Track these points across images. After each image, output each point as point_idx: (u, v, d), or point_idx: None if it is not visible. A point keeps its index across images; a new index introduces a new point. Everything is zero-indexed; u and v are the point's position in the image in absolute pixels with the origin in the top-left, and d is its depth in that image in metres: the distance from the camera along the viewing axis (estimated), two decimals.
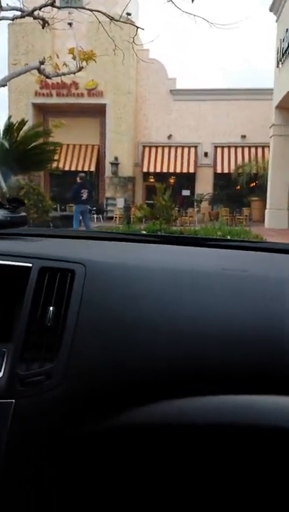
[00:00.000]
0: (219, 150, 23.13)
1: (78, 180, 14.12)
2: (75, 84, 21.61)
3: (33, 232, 1.66)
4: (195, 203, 22.41)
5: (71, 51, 11.61)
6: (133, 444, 1.01)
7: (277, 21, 16.93)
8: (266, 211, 17.76)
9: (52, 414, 0.99)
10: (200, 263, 1.27)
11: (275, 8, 16.76)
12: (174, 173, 23.31)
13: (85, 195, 13.77)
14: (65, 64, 11.49)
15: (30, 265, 1.13)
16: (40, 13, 9.70)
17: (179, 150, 23.24)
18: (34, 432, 0.98)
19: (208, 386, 0.99)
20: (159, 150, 23.34)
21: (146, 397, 0.99)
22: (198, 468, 1.01)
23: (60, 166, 20.50)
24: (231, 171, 22.28)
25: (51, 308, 1.07)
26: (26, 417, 0.98)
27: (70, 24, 14.03)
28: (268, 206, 17.59)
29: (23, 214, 1.52)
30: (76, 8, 12.26)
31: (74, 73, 11.70)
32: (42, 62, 10.72)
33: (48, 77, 10.97)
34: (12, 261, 1.15)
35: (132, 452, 1.01)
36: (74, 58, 11.76)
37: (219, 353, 1.01)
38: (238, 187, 22.36)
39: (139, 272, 1.16)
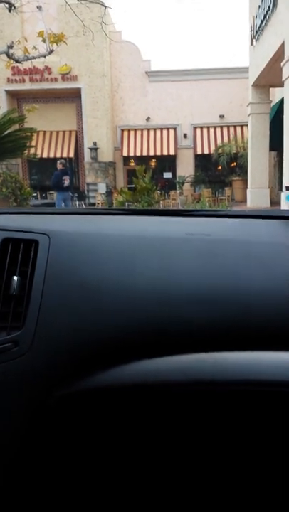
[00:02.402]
0: (198, 131, 23.02)
1: (60, 166, 13.99)
2: (48, 69, 21.29)
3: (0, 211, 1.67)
4: (177, 185, 22.38)
5: (40, 34, 11.41)
6: (105, 407, 1.04)
7: None
8: (248, 190, 17.79)
9: (21, 380, 1.00)
10: (164, 229, 1.29)
11: None
12: (155, 156, 23.20)
13: (66, 182, 13.70)
14: (34, 47, 11.29)
15: None
16: None
17: (158, 132, 23.10)
18: (4, 399, 1.00)
19: (177, 345, 1.02)
20: (138, 133, 23.17)
21: (114, 360, 1.01)
22: (172, 426, 1.04)
23: (38, 153, 20.29)
24: (212, 152, 22.24)
25: (16, 278, 1.08)
26: None
27: (38, 8, 13.76)
28: (249, 185, 17.62)
29: None
30: None
31: (44, 56, 11.53)
32: (10, 46, 10.54)
33: (17, 61, 10.79)
34: None
35: (105, 414, 1.04)
36: (44, 41, 11.56)
37: (184, 313, 1.04)
38: (219, 167, 22.36)
39: (103, 239, 1.18)
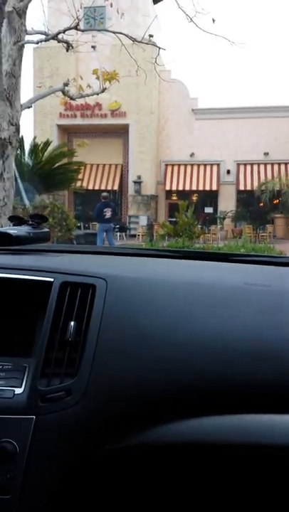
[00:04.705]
0: (242, 167, 23.16)
1: (102, 200, 14.31)
2: (98, 105, 22.06)
3: (56, 248, 1.66)
4: (218, 220, 22.38)
5: (95, 72, 11.84)
6: (155, 464, 0.99)
7: None
8: None
9: (72, 431, 0.97)
10: (222, 277, 1.26)
11: None
12: (197, 191, 23.41)
13: (108, 213, 13.92)
14: (88, 85, 11.71)
15: (52, 280, 1.13)
16: (64, 37, 9.95)
17: (202, 168, 23.35)
18: (54, 449, 0.97)
19: (234, 404, 0.97)
20: (182, 168, 23.51)
21: (169, 415, 0.97)
22: (223, 487, 1.01)
23: (84, 185, 20.82)
24: (254, 188, 22.23)
25: (72, 323, 1.06)
26: (46, 434, 0.96)
27: (93, 47, 14.34)
28: None
29: (46, 230, 1.51)
30: (99, 30, 12.55)
31: (97, 94, 11.90)
32: (66, 84, 10.94)
33: (72, 98, 11.17)
34: (34, 276, 1.15)
35: (155, 472, 1.00)
36: (98, 78, 11.98)
37: (245, 369, 0.99)
38: (261, 204, 22.27)
39: (160, 286, 1.15)
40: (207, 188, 23.11)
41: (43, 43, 8.96)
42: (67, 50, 11.26)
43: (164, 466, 0.99)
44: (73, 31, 9.67)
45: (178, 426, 0.96)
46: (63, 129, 23.47)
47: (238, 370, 0.99)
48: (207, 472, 0.99)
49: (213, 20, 9.37)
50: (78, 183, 17.41)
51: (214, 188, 23.18)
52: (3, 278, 1.15)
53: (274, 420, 0.95)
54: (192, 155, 23.32)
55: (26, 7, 6.64)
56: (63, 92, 11.29)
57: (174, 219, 17.45)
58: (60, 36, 9.68)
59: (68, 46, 11.06)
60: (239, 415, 0.95)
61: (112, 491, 1.01)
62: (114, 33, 10.51)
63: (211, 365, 0.99)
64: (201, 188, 23.14)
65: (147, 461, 0.99)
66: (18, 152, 12.92)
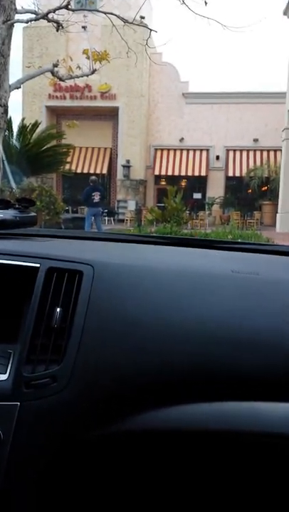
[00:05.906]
0: (231, 153, 23.11)
1: (90, 183, 14.17)
2: (88, 87, 21.75)
3: (42, 233, 1.64)
4: (206, 206, 22.40)
5: (85, 52, 11.66)
6: (141, 450, 1.00)
7: None
8: (278, 215, 17.69)
9: (57, 418, 0.97)
10: (209, 265, 1.25)
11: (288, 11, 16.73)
12: (186, 176, 23.33)
13: (96, 197, 13.79)
14: (78, 66, 11.54)
15: (38, 265, 1.12)
16: (55, 16, 9.75)
17: (191, 153, 23.26)
18: (39, 435, 0.97)
19: (220, 390, 0.97)
20: (171, 153, 23.39)
21: (155, 401, 0.98)
22: (211, 474, 1.01)
23: (73, 168, 20.60)
24: (243, 175, 22.26)
25: (58, 309, 1.05)
26: (31, 421, 0.96)
27: (84, 28, 14.07)
28: (279, 210, 17.52)
29: (33, 214, 1.48)
30: (90, 10, 12.33)
31: (87, 75, 11.74)
32: (56, 65, 10.77)
33: (61, 79, 11.01)
34: (20, 261, 1.14)
35: (141, 458, 1.00)
36: (88, 58, 11.80)
37: (229, 356, 0.99)
38: (250, 190, 22.32)
39: (147, 273, 1.15)
40: (196, 173, 23.04)
41: (33, 22, 8.79)
42: (57, 30, 11.04)
43: (152, 452, 1.00)
44: (64, 11, 9.47)
45: (164, 412, 0.96)
46: (52, 111, 23.13)
47: (223, 358, 0.99)
48: (197, 460, 1.00)
49: (206, 3, 9.24)
50: (67, 166, 17.22)
51: (203, 173, 23.13)
52: None
53: (262, 407, 0.96)
54: (182, 140, 23.18)
55: None
56: (52, 73, 11.12)
57: (162, 204, 17.42)
58: (50, 16, 9.49)
59: (58, 26, 10.85)
60: (228, 402, 0.96)
61: (99, 477, 1.00)
62: (105, 13, 10.34)
63: (196, 351, 1.00)
64: (190, 173, 23.06)
65: (135, 447, 0.99)
66: (6, 134, 12.73)
